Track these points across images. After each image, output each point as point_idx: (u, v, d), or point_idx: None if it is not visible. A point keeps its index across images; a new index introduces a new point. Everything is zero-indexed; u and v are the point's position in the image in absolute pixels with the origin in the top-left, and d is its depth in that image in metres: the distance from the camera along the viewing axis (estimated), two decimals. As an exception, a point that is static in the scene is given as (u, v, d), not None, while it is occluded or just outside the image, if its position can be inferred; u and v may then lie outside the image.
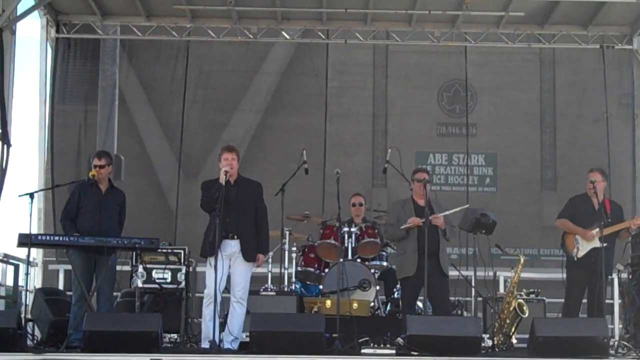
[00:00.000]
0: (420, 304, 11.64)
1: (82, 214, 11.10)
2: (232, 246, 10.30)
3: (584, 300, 11.47)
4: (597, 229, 11.12)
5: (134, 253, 11.59)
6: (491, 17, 15.37)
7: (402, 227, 10.93)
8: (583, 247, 11.31)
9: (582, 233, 11.32)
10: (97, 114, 15.89)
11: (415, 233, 10.88)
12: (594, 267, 11.11)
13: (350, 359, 10.23)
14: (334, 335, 10.26)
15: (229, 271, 10.35)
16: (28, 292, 12.47)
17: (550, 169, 16.33)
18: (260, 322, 9.99)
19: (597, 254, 11.10)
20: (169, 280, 11.89)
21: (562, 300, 11.64)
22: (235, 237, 10.34)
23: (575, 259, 11.32)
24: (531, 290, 12.31)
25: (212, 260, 10.14)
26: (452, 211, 11.09)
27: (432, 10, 14.95)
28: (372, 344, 10.66)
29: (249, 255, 10.38)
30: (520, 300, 11.49)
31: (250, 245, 10.40)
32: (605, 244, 11.06)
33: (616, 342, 11.59)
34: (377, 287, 12.22)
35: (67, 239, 10.76)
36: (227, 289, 10.51)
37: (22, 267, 13.03)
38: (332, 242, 12.37)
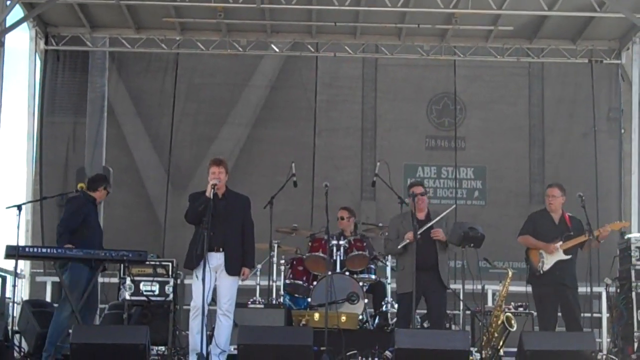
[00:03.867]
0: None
1: (87, 229, 11.12)
2: (217, 259, 10.24)
3: (559, 314, 11.46)
4: (561, 242, 11.17)
5: (122, 265, 11.56)
6: (480, 31, 15.42)
7: (399, 246, 10.93)
8: (548, 260, 11.30)
9: (544, 247, 11.30)
10: (86, 126, 15.87)
11: (414, 248, 10.83)
12: (558, 280, 11.16)
13: (338, 372, 10.24)
14: (322, 348, 10.24)
15: (215, 284, 10.30)
16: (15, 304, 12.47)
17: (539, 182, 16.33)
18: (248, 335, 9.96)
19: (561, 266, 11.17)
20: (156, 292, 11.84)
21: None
22: (221, 249, 10.29)
23: (541, 272, 11.30)
24: (519, 303, 12.29)
25: (198, 272, 10.11)
26: (440, 216, 11.06)
27: (421, 24, 14.98)
28: (360, 357, 10.64)
29: (233, 269, 10.30)
30: (509, 314, 11.47)
31: (235, 259, 10.32)
32: (569, 256, 11.15)
33: (604, 356, 11.60)
34: (366, 300, 12.20)
35: (54, 251, 10.73)
36: (214, 300, 10.47)
37: (10, 279, 12.99)
38: (321, 254, 12.36)
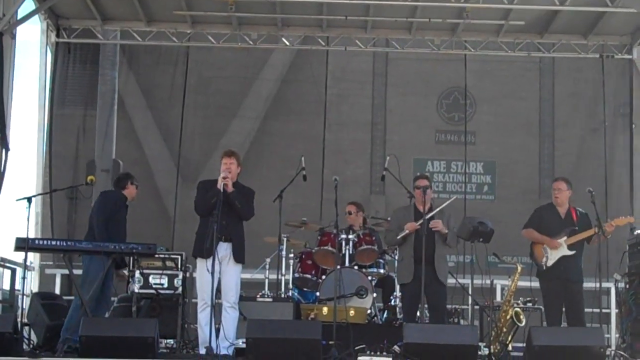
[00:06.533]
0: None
1: (113, 224, 11.31)
2: (224, 248, 10.31)
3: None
4: (565, 237, 11.19)
5: (131, 258, 11.59)
6: (491, 26, 15.39)
7: (399, 236, 10.97)
8: (552, 255, 11.31)
9: (548, 242, 11.33)
10: (96, 118, 15.87)
11: (412, 239, 10.92)
12: (565, 275, 11.20)
13: (347, 366, 10.23)
14: (330, 342, 10.22)
15: (219, 276, 10.31)
16: (24, 296, 12.50)
17: (549, 177, 16.28)
18: (257, 328, 9.96)
19: (566, 261, 11.21)
20: (165, 285, 11.81)
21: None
22: (229, 239, 10.34)
23: (545, 267, 11.33)
24: (528, 298, 12.27)
25: (207, 264, 10.12)
26: (439, 208, 11.03)
27: (432, 18, 14.96)
28: (368, 352, 10.62)
29: (238, 256, 10.41)
30: (517, 309, 11.46)
31: (240, 247, 10.45)
32: (573, 252, 11.16)
33: (613, 352, 11.57)
34: (374, 295, 12.19)
35: (64, 244, 10.77)
36: (218, 290, 10.47)
37: (19, 271, 13.02)
38: (330, 248, 12.34)
